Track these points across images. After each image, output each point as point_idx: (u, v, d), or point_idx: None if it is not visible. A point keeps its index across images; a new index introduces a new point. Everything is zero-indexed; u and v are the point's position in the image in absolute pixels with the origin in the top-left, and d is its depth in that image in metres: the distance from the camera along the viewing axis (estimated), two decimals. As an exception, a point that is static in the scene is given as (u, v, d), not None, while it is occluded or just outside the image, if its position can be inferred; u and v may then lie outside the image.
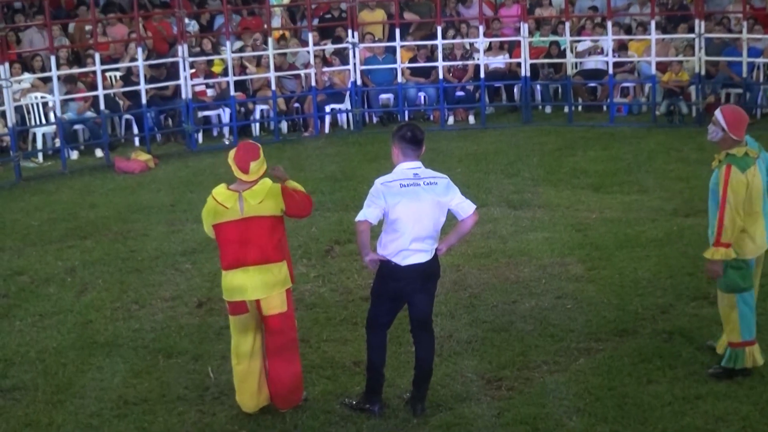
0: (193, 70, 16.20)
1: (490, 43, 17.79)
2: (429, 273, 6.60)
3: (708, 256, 6.84)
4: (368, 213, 6.46)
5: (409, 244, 6.45)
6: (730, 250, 6.75)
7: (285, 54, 17.29)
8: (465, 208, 6.56)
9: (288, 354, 6.77)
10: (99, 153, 15.66)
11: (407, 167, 6.51)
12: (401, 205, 6.40)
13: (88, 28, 17.78)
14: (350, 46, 16.89)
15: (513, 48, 17.83)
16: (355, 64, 16.91)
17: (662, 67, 16.74)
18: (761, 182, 6.82)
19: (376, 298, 6.77)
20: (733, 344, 6.96)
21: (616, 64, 16.87)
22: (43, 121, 15.65)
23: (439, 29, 16.80)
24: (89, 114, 15.88)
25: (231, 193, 6.64)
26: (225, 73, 16.45)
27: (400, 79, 17.13)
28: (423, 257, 6.51)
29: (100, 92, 15.35)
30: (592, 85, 17.83)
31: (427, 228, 6.46)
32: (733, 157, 6.75)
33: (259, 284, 6.58)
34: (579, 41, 17.98)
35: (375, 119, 17.71)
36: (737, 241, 6.80)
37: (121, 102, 16.56)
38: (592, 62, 17.67)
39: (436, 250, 6.61)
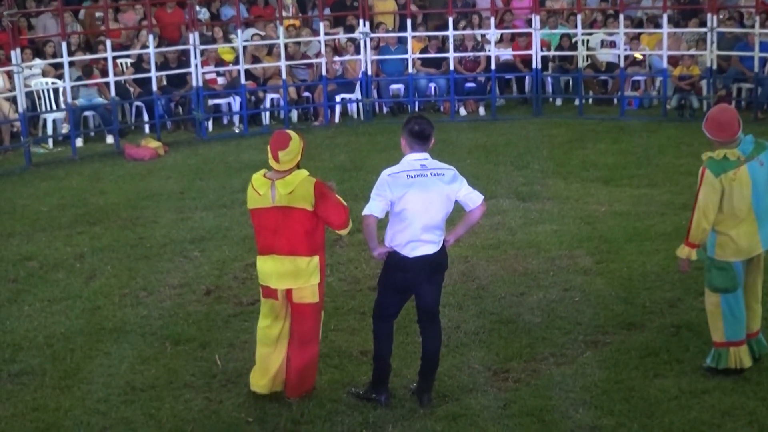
0: (203, 58, 16.20)
1: (502, 34, 17.75)
2: (437, 264, 6.60)
3: (676, 252, 6.97)
4: (373, 207, 6.46)
5: (417, 235, 6.44)
6: (693, 251, 6.81)
7: (299, 43, 17.28)
8: (473, 198, 6.56)
9: (309, 345, 6.80)
10: (110, 140, 15.69)
11: (414, 158, 6.51)
12: (408, 196, 6.39)
13: (98, 14, 17.81)
14: (362, 35, 16.87)
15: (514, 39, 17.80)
16: (366, 54, 16.90)
17: (674, 61, 16.70)
18: (749, 184, 6.72)
19: (383, 289, 6.77)
20: (716, 344, 6.95)
21: (627, 58, 16.84)
22: (54, 107, 15.68)
23: (451, 20, 16.78)
24: (99, 100, 15.91)
25: (265, 180, 6.62)
26: (236, 62, 16.45)
27: (410, 69, 17.11)
28: (431, 248, 6.51)
29: (111, 79, 15.37)
30: (603, 78, 17.80)
31: (435, 219, 6.46)
32: (710, 160, 6.76)
33: (284, 274, 6.61)
34: (591, 34, 17.94)
35: (385, 109, 17.71)
36: (719, 242, 6.80)
37: (131, 89, 16.58)
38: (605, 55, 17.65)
39: (444, 241, 6.61)
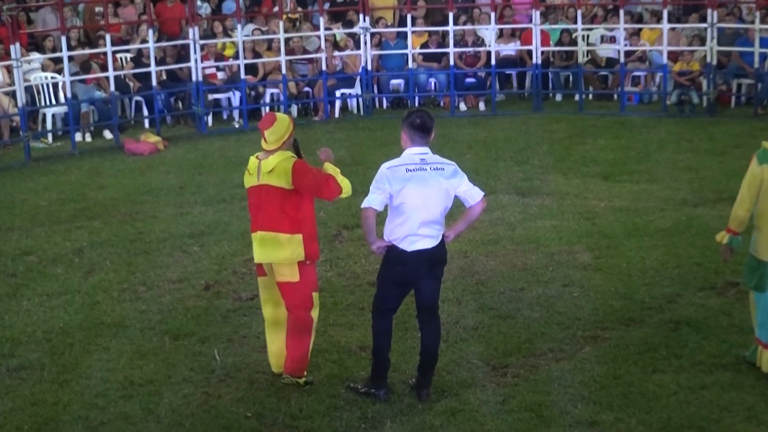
0: (203, 53, 16.19)
1: (502, 30, 17.73)
2: (436, 259, 6.59)
3: (716, 236, 6.97)
4: (372, 200, 6.48)
5: (415, 229, 6.44)
6: (726, 236, 6.83)
7: (301, 38, 17.27)
8: (473, 195, 6.55)
9: (300, 333, 6.88)
10: (108, 135, 15.68)
11: (414, 152, 6.51)
12: (407, 190, 6.39)
13: (98, 9, 17.80)
14: (362, 31, 16.85)
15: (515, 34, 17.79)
16: (366, 49, 16.89)
17: (674, 56, 16.69)
18: None
19: (382, 283, 6.77)
20: (755, 338, 6.96)
21: (627, 53, 16.83)
22: (53, 101, 15.67)
23: (451, 15, 16.76)
24: (98, 94, 15.89)
25: (255, 160, 6.95)
26: (236, 57, 16.44)
27: (411, 64, 17.09)
28: (429, 243, 6.50)
29: (111, 73, 15.36)
30: (604, 73, 17.79)
31: (434, 213, 6.45)
32: (763, 149, 6.65)
33: (263, 250, 6.86)
34: (591, 29, 17.92)
35: (385, 104, 17.69)
36: (756, 238, 6.76)
37: (131, 83, 16.57)
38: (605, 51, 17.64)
39: (444, 236, 6.60)
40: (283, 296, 6.92)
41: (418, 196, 6.40)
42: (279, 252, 6.79)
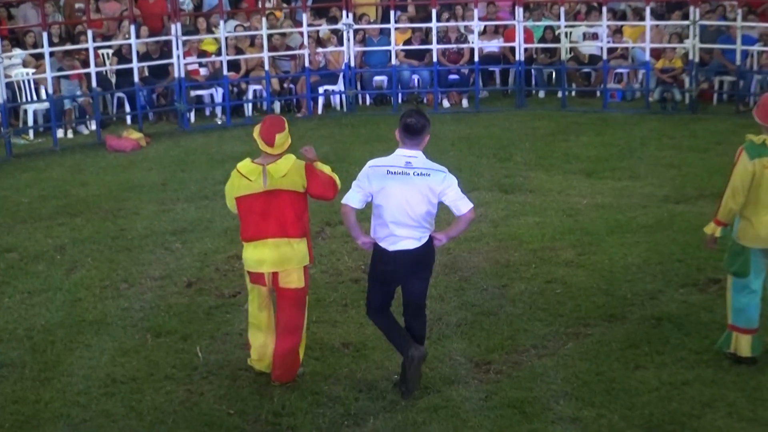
0: (186, 49, 16.13)
1: (485, 26, 17.74)
2: (418, 260, 6.54)
3: (704, 229, 7.04)
4: (351, 197, 6.47)
5: (394, 230, 6.41)
6: (718, 228, 6.91)
7: (284, 34, 17.23)
8: (460, 207, 6.45)
9: (294, 331, 6.85)
10: (85, 130, 15.60)
11: (402, 154, 6.42)
12: (386, 191, 6.36)
13: (78, 6, 17.70)
14: (345, 27, 16.83)
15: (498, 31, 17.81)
16: (349, 45, 16.88)
17: (656, 53, 16.74)
18: None
19: (369, 280, 6.81)
20: (727, 325, 7.03)
21: (610, 50, 16.87)
22: (35, 97, 15.59)
23: (434, 12, 16.76)
24: (80, 93, 15.81)
25: (255, 166, 6.72)
26: (218, 53, 16.40)
27: (394, 61, 17.09)
28: (411, 244, 6.46)
29: (93, 70, 15.28)
30: (587, 70, 17.83)
31: (411, 216, 6.39)
32: (749, 142, 6.78)
33: (277, 258, 6.68)
34: (574, 26, 17.96)
35: (369, 101, 17.68)
36: (741, 226, 6.86)
37: (113, 79, 16.49)
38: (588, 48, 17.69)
39: (435, 239, 6.55)
40: (285, 303, 6.80)
41: (397, 198, 6.35)
42: (292, 258, 6.71)
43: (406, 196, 6.36)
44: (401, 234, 6.44)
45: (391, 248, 6.47)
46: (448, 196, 6.42)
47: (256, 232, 6.71)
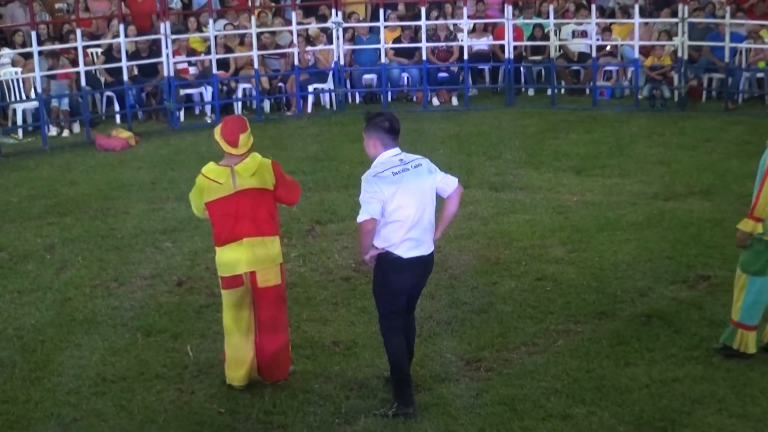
0: (175, 47, 16.10)
1: (474, 24, 17.76)
2: (430, 266, 6.45)
3: (739, 225, 6.93)
4: (371, 210, 6.15)
5: (412, 234, 6.21)
6: (759, 225, 6.83)
7: (273, 33, 17.22)
8: (448, 182, 6.39)
9: (279, 328, 6.83)
10: (76, 129, 15.57)
11: (390, 155, 6.31)
12: (400, 193, 6.17)
13: (58, 6, 17.65)
14: (334, 25, 16.83)
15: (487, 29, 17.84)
16: (338, 43, 16.87)
17: (645, 50, 16.77)
18: None
19: (382, 297, 6.43)
20: (732, 322, 7.04)
21: (599, 48, 16.90)
22: (23, 96, 15.54)
23: (423, 10, 16.76)
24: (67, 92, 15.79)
25: (222, 168, 6.68)
26: (208, 52, 16.37)
27: (383, 59, 17.09)
28: (426, 249, 6.31)
29: (82, 68, 15.24)
30: (576, 68, 17.86)
31: (429, 215, 6.27)
32: None
33: (253, 257, 6.63)
34: (563, 24, 17.99)
35: (358, 99, 17.68)
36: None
37: (102, 78, 16.46)
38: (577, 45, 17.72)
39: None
40: (265, 302, 6.74)
41: (413, 196, 6.19)
42: (268, 256, 6.67)
43: (420, 191, 6.22)
44: (420, 238, 6.25)
45: (406, 255, 6.24)
46: (437, 177, 6.37)
47: (231, 234, 6.63)
